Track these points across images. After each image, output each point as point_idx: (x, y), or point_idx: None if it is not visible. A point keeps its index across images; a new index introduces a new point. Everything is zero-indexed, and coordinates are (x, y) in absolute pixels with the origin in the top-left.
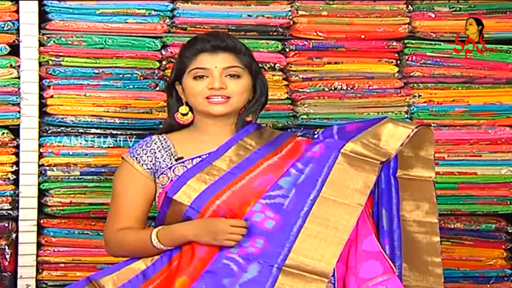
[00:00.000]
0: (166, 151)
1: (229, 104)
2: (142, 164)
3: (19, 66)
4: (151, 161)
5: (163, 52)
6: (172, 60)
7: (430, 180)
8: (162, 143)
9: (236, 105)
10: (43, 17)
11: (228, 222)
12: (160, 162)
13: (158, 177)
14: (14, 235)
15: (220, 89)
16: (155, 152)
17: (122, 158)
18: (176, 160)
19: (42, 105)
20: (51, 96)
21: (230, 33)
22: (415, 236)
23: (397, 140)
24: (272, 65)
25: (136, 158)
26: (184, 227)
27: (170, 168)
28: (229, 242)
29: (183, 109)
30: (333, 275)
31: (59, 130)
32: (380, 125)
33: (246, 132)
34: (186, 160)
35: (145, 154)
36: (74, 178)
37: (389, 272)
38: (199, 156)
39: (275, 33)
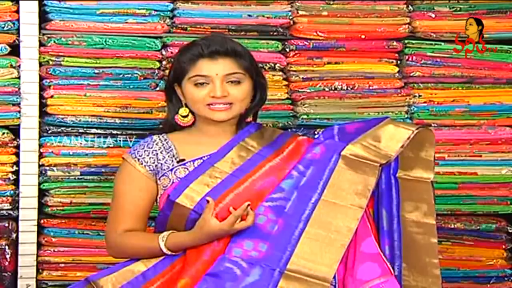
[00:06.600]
0: (167, 152)
1: (231, 110)
2: (144, 165)
3: (19, 66)
4: (153, 163)
5: (163, 52)
6: (172, 60)
7: (428, 181)
8: (163, 144)
9: (239, 111)
10: (43, 17)
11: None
12: (162, 164)
13: (159, 179)
14: (14, 235)
15: (222, 97)
16: (156, 153)
17: (123, 158)
18: (177, 162)
19: (42, 105)
20: (51, 96)
21: (230, 33)
22: (415, 236)
23: (397, 142)
24: (272, 65)
25: (138, 159)
26: (192, 235)
27: (171, 170)
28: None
29: (183, 111)
30: (334, 277)
31: (59, 130)
32: (380, 127)
33: (248, 133)
34: (187, 162)
35: (147, 155)
36: (75, 178)
37: (387, 275)
38: (201, 158)
39: (275, 33)
